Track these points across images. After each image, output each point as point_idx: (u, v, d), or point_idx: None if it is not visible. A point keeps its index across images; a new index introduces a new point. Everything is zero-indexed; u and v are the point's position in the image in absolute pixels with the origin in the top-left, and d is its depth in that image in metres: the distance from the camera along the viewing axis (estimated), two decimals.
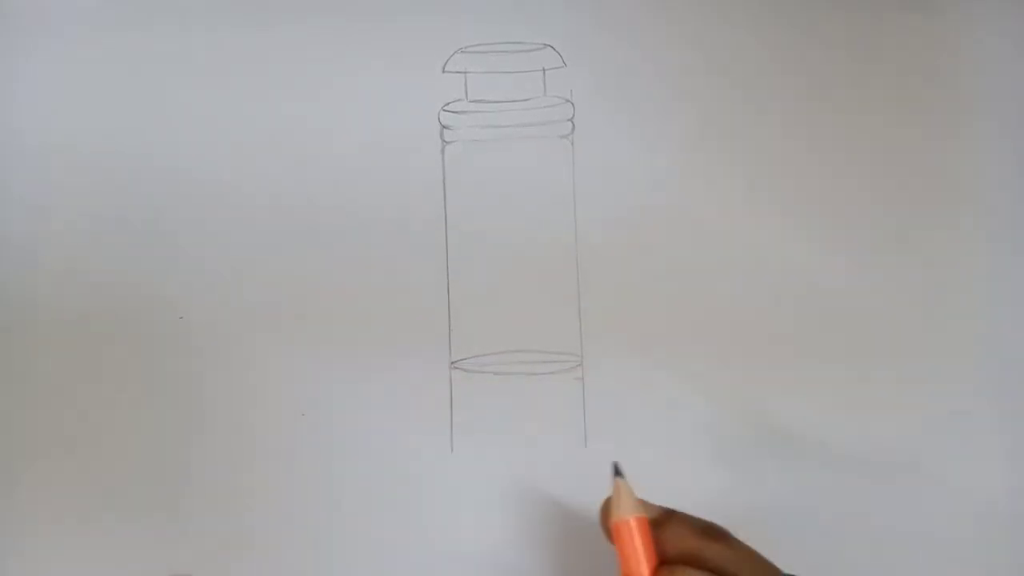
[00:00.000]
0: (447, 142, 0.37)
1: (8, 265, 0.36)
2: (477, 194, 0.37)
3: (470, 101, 0.37)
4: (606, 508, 0.31)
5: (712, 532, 0.30)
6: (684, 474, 0.35)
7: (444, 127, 0.37)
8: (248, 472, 0.35)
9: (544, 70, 0.37)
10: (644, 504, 0.31)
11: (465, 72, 0.37)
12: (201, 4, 0.37)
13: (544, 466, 0.36)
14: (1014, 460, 0.37)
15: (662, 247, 0.37)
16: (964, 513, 0.35)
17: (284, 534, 0.35)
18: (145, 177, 0.36)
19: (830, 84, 0.37)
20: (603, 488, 0.36)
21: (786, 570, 0.29)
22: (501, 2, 0.37)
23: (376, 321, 0.36)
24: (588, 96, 0.37)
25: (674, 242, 0.37)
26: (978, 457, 0.36)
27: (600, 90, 0.37)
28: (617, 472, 0.31)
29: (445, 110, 0.37)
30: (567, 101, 0.37)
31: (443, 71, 0.37)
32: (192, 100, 0.37)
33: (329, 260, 0.36)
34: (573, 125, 0.37)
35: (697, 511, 0.35)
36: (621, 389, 0.36)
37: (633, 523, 0.30)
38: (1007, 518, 0.36)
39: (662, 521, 0.30)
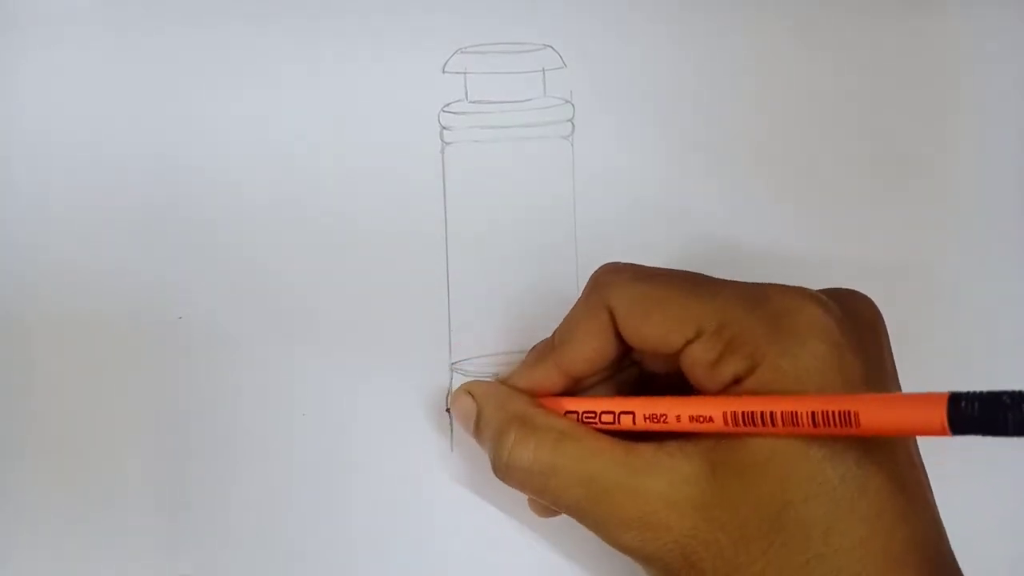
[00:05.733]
0: (447, 143, 0.37)
1: (6, 264, 0.36)
2: (477, 194, 0.37)
3: (470, 102, 0.37)
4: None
5: None
6: None
7: (444, 128, 0.37)
8: (248, 472, 0.35)
9: (544, 70, 0.37)
10: None
11: (465, 72, 0.37)
12: (202, 4, 0.37)
13: None
14: (1011, 460, 0.37)
15: (662, 248, 0.37)
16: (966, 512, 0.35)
17: (284, 534, 0.35)
18: (144, 177, 0.36)
19: (830, 86, 0.38)
20: None
21: None
22: (501, 2, 0.37)
23: (376, 321, 0.36)
24: (588, 97, 0.37)
25: (674, 243, 0.37)
26: (975, 458, 0.36)
27: (600, 91, 0.37)
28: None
29: (445, 111, 0.37)
30: (567, 102, 0.37)
31: (443, 71, 0.37)
32: (191, 100, 0.37)
33: (328, 260, 0.36)
34: (573, 126, 0.37)
35: None
36: None
37: None
38: (1005, 519, 0.36)
39: None
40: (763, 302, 0.27)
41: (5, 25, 0.37)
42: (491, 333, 0.36)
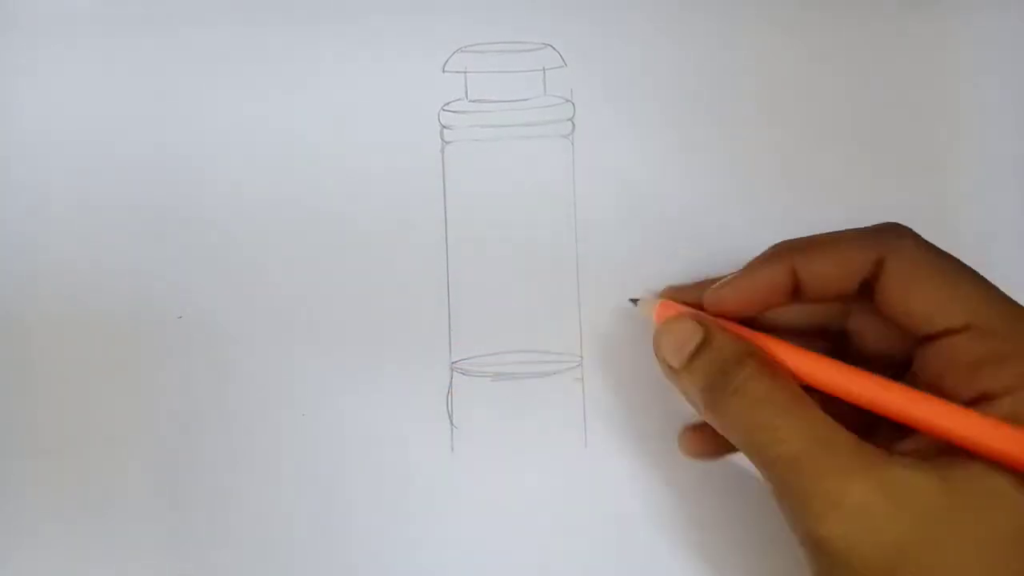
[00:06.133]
0: (447, 142, 0.37)
1: (5, 264, 0.36)
2: (477, 194, 0.37)
3: (470, 101, 0.37)
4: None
5: None
6: (684, 474, 0.35)
7: (444, 127, 0.37)
8: (248, 472, 0.35)
9: (544, 70, 0.37)
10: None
11: (465, 72, 0.37)
12: (202, 4, 0.37)
13: (544, 466, 0.36)
14: None
15: (662, 247, 0.37)
16: None
17: (284, 534, 0.35)
18: (144, 177, 0.36)
19: (830, 86, 0.37)
20: (603, 488, 0.36)
21: None
22: (501, 2, 0.37)
23: (376, 321, 0.36)
24: (588, 96, 0.37)
25: (674, 242, 0.37)
26: None
27: (600, 90, 0.37)
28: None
29: (445, 110, 0.37)
30: (567, 101, 0.37)
31: (443, 71, 0.37)
32: (191, 100, 0.37)
33: (328, 260, 0.36)
34: (573, 125, 0.37)
35: (697, 512, 0.35)
36: (621, 389, 0.36)
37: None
38: None
39: None
40: None
41: (5, 25, 0.37)
42: (491, 333, 0.36)
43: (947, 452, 0.25)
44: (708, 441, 0.32)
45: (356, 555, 0.35)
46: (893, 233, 0.28)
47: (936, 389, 0.26)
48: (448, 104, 0.37)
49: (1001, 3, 0.38)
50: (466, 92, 0.37)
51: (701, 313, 0.31)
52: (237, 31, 0.37)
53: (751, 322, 0.30)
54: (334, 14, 0.37)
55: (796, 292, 0.29)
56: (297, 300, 0.36)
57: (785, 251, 0.29)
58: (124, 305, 0.36)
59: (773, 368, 0.27)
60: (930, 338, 0.26)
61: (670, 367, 0.30)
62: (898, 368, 0.28)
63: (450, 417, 0.36)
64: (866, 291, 0.28)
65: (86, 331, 0.36)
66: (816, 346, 0.30)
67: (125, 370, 0.36)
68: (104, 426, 0.35)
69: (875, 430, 0.27)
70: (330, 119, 0.37)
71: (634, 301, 0.32)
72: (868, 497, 0.24)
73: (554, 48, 0.37)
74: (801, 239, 0.29)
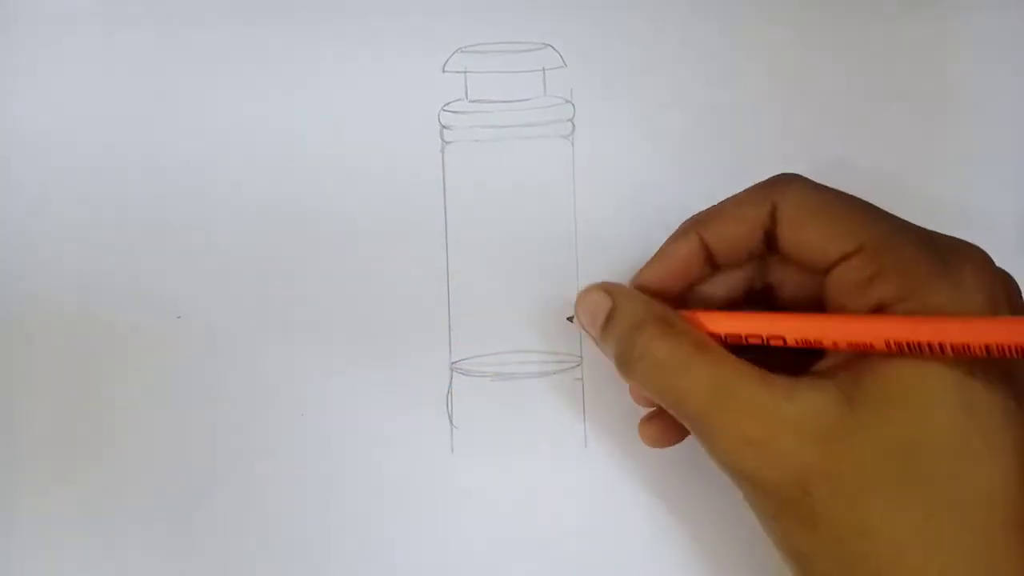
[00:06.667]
0: (447, 142, 0.37)
1: (5, 264, 0.36)
2: (477, 194, 0.37)
3: (470, 101, 0.37)
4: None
5: None
6: (685, 474, 0.35)
7: (444, 127, 0.37)
8: (246, 472, 0.35)
9: (544, 70, 0.37)
10: None
11: (465, 72, 0.37)
12: (202, 4, 0.37)
13: (544, 466, 0.36)
14: None
15: None
16: None
17: (282, 535, 0.35)
18: (143, 176, 0.36)
19: (830, 86, 0.37)
20: (603, 488, 0.36)
21: None
22: (501, 2, 0.37)
23: (376, 321, 0.36)
24: (588, 96, 0.37)
25: None
26: None
27: (600, 90, 0.37)
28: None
29: (445, 110, 0.37)
30: (567, 101, 0.37)
31: (443, 71, 0.37)
32: (191, 100, 0.37)
33: (328, 260, 0.36)
34: (573, 125, 0.37)
35: (697, 513, 0.35)
36: (621, 389, 0.36)
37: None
38: None
39: None
40: (932, 241, 0.26)
41: (5, 25, 0.37)
42: (491, 333, 0.36)
43: (855, 367, 0.26)
44: (664, 429, 0.33)
45: (356, 555, 0.35)
46: (781, 181, 0.29)
47: (838, 311, 0.28)
48: (448, 104, 0.37)
49: (1001, 3, 0.38)
50: (466, 92, 0.37)
51: (612, 283, 0.31)
52: (237, 31, 0.37)
53: (683, 301, 0.31)
54: (334, 14, 0.37)
55: (711, 262, 0.31)
56: (297, 300, 0.36)
57: (690, 224, 0.31)
58: (124, 305, 0.36)
59: (672, 325, 0.28)
60: (831, 269, 0.27)
61: (592, 339, 0.31)
62: (820, 309, 0.29)
63: (450, 417, 0.36)
64: (772, 243, 0.29)
65: (86, 331, 0.36)
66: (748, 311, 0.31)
67: (124, 370, 0.36)
68: (103, 426, 0.35)
69: (795, 362, 0.28)
70: (330, 119, 0.37)
71: (570, 319, 0.33)
72: (771, 434, 0.25)
73: (554, 48, 0.37)
74: (703, 211, 0.31)
